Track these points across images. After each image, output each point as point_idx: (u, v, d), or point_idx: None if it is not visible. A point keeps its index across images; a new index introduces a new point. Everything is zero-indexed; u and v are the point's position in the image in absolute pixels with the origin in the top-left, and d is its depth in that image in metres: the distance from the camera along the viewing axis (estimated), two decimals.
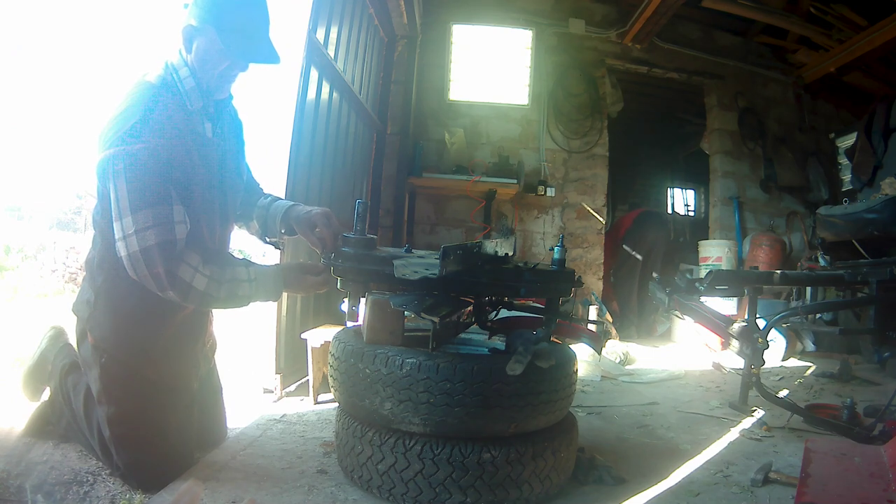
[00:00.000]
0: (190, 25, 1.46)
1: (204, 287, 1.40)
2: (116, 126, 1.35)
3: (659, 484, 1.64)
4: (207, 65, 1.48)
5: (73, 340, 1.69)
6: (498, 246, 1.67)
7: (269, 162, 2.42)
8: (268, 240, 1.75)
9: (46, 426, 1.72)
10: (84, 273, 1.60)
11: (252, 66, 1.55)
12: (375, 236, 1.70)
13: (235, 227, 1.79)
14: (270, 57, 1.52)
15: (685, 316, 2.57)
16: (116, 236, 1.36)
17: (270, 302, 1.58)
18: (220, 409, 1.82)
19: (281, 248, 1.85)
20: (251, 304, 1.50)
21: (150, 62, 1.52)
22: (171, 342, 1.53)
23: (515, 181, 4.33)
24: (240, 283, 1.45)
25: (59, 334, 1.87)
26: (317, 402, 2.34)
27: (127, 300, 1.46)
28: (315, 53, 2.75)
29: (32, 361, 1.81)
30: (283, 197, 2.36)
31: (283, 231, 1.67)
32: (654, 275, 2.62)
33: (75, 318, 1.55)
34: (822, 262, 4.12)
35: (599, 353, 2.16)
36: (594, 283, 4.78)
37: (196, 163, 1.45)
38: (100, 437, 1.50)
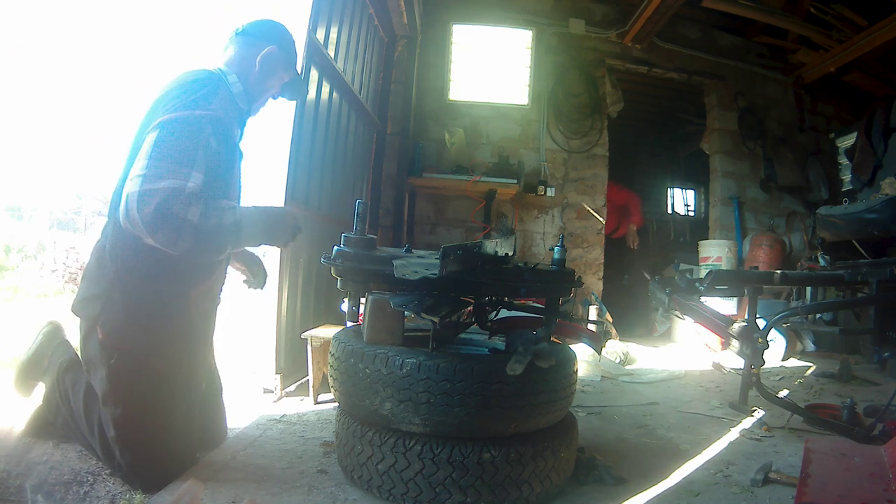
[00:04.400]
0: (254, 39, 1.64)
1: (197, 219, 1.31)
2: (184, 93, 1.41)
3: (659, 484, 1.64)
4: (263, 76, 1.63)
5: (71, 338, 1.68)
6: (498, 246, 1.67)
7: (269, 162, 2.42)
8: None
9: (46, 426, 1.71)
10: (92, 266, 1.52)
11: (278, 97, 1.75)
12: (375, 236, 1.70)
13: None
14: (302, 91, 1.81)
15: (685, 316, 2.57)
16: (129, 175, 1.32)
17: (257, 241, 1.49)
18: (220, 409, 1.82)
19: None
20: (238, 238, 1.41)
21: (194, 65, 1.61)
22: (186, 334, 1.53)
23: (515, 181, 4.32)
24: (224, 212, 1.37)
25: (55, 330, 1.85)
26: (317, 402, 2.34)
27: (143, 289, 1.44)
28: (315, 53, 2.74)
29: (27, 356, 1.78)
30: (283, 196, 2.39)
31: None
32: (657, 277, 2.62)
33: (78, 318, 1.52)
34: (822, 262, 4.12)
35: (599, 353, 2.17)
36: (594, 283, 4.78)
37: (228, 156, 1.50)
38: (101, 437, 1.49)
